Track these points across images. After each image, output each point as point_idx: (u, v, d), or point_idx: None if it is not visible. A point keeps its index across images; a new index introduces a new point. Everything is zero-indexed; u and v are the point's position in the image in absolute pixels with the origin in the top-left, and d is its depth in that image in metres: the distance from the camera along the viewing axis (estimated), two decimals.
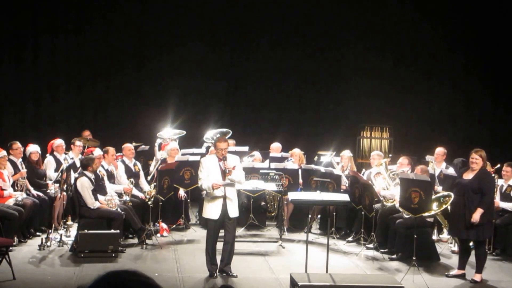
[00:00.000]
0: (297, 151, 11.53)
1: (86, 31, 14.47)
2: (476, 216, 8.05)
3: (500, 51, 14.77)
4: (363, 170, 11.54)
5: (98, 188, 9.83)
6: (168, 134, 11.93)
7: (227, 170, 8.03)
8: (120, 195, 10.18)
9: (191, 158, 10.84)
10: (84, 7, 14.47)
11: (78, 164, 10.37)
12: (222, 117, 14.38)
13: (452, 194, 8.59)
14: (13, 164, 10.01)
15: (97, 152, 10.65)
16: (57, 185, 9.96)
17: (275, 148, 12.28)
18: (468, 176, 8.31)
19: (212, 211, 8.10)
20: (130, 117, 14.48)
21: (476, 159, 8.23)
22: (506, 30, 14.67)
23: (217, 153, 8.19)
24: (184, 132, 12.12)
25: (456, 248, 9.31)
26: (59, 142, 10.97)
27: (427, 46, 15.10)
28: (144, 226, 9.83)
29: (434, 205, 8.91)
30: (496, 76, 15.03)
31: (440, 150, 11.15)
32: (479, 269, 8.35)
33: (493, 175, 9.95)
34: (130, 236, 9.98)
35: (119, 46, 14.61)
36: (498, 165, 10.48)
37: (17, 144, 10.24)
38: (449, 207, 8.67)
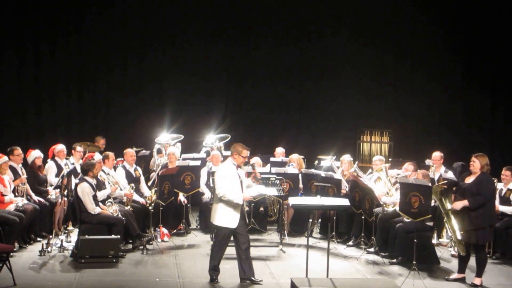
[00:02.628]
0: (295, 156, 11.54)
1: (86, 36, 14.49)
2: (458, 204, 8.13)
3: (500, 55, 14.78)
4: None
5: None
6: (166, 139, 11.95)
7: (258, 179, 8.23)
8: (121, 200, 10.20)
9: (192, 163, 10.86)
10: (84, 12, 14.51)
11: (78, 169, 10.38)
12: (222, 122, 14.40)
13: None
14: (13, 170, 10.01)
15: (97, 157, 10.66)
16: (58, 190, 9.97)
17: (280, 152, 12.30)
18: (469, 180, 8.37)
19: (230, 219, 8.02)
20: (130, 122, 14.50)
21: (474, 162, 8.32)
22: (506, 34, 14.68)
23: (238, 160, 8.13)
24: (182, 137, 12.13)
25: (455, 252, 9.31)
26: (60, 147, 10.99)
27: (427, 51, 15.11)
28: (141, 233, 9.84)
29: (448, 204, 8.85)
30: (495, 80, 15.05)
31: (436, 155, 11.16)
32: (479, 273, 8.38)
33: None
34: (131, 241, 9.98)
35: (119, 49, 14.63)
36: None
37: (18, 150, 10.24)
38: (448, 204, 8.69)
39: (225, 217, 8.05)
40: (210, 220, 8.41)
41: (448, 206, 8.44)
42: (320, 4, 14.98)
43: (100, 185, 9.92)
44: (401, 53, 15.18)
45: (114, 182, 10.13)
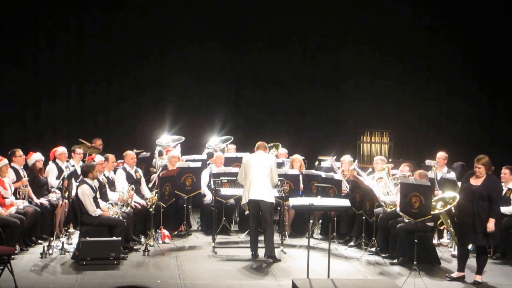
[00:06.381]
0: (297, 157, 11.56)
1: (87, 37, 14.49)
2: (491, 225, 8.16)
3: (499, 54, 14.78)
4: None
5: (101, 195, 9.88)
6: (167, 141, 11.96)
7: None
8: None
9: (192, 164, 10.86)
10: (85, 13, 14.51)
11: (79, 171, 10.39)
12: (224, 124, 14.39)
13: (457, 195, 8.63)
14: (16, 172, 10.03)
15: (98, 158, 10.66)
16: (59, 192, 9.99)
17: (283, 153, 12.34)
18: (477, 182, 8.33)
19: None
20: (131, 124, 14.50)
21: (479, 168, 8.29)
22: (504, 32, 14.67)
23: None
24: (183, 138, 12.14)
25: (456, 252, 9.32)
26: (62, 150, 11.00)
27: (427, 52, 15.11)
28: (133, 242, 9.88)
29: (439, 205, 8.94)
30: (495, 79, 15.06)
31: (441, 155, 11.21)
32: (480, 271, 8.47)
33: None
34: (132, 242, 9.99)
35: (119, 51, 14.62)
36: None
37: (19, 152, 10.26)
38: (453, 209, 8.71)
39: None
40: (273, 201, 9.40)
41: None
42: (321, 9, 14.98)
43: (101, 187, 9.94)
44: (401, 54, 15.17)
45: (130, 189, 10.13)
